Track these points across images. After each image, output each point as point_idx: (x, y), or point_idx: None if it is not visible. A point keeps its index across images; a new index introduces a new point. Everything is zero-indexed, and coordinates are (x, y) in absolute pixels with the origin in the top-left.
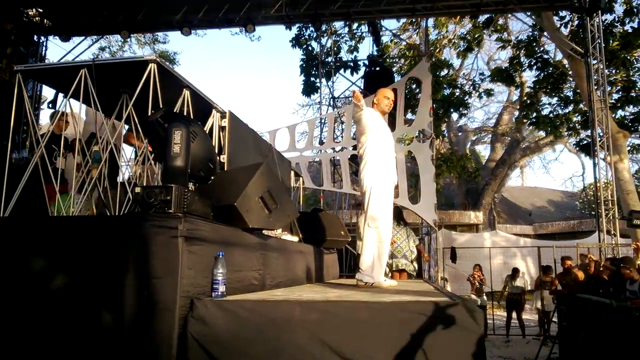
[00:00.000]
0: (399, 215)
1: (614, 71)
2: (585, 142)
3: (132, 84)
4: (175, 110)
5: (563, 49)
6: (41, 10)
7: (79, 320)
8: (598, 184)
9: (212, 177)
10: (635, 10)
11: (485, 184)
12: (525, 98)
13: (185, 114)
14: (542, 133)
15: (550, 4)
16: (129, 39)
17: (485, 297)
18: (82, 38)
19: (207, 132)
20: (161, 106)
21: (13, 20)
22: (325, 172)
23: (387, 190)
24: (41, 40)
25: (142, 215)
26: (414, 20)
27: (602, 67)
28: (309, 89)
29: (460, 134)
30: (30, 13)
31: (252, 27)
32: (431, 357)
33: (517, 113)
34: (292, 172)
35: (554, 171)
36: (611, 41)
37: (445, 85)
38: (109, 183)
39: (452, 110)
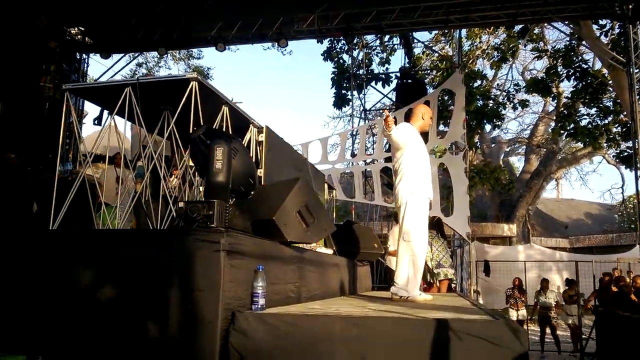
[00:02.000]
0: (439, 226)
1: None
2: (626, 153)
3: (173, 101)
4: (215, 127)
5: (603, 58)
6: (83, 29)
7: (125, 332)
8: None
9: (252, 192)
10: None
11: (519, 196)
12: (562, 109)
13: (224, 130)
14: (579, 144)
15: (590, 12)
16: (166, 55)
17: (524, 312)
18: (121, 55)
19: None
20: (201, 122)
21: (57, 39)
22: (357, 184)
23: (422, 205)
24: (83, 58)
25: (186, 230)
26: (446, 31)
27: None
28: (340, 101)
29: (493, 145)
30: (72, 32)
31: (284, 42)
32: None
33: (552, 124)
34: (326, 185)
35: (592, 183)
36: None
37: (478, 97)
38: (152, 196)
39: (485, 122)
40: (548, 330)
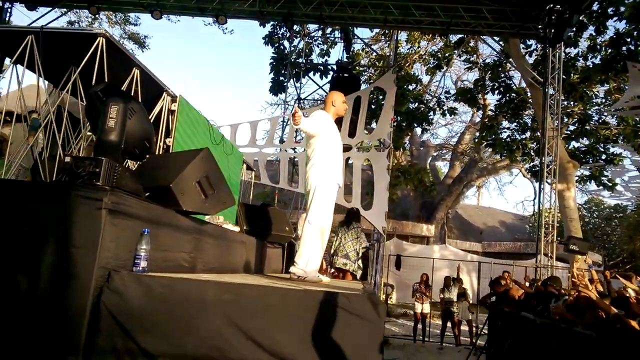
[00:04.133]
0: (355, 216)
1: (572, 103)
2: (537, 168)
3: (81, 57)
4: (123, 88)
5: (525, 76)
6: None
7: None
8: (541, 209)
9: (148, 156)
10: (598, 47)
11: (440, 199)
12: (485, 120)
13: (132, 92)
14: (498, 156)
15: (517, 30)
16: (99, 17)
17: (428, 305)
18: (49, 9)
19: (157, 113)
20: (106, 81)
21: None
22: (282, 170)
23: (330, 191)
24: (6, 6)
25: (68, 185)
26: (386, 31)
27: (558, 97)
28: (277, 87)
29: (422, 148)
30: None
31: (223, 19)
32: (335, 344)
33: (477, 134)
34: (245, 166)
35: (509, 194)
36: (572, 74)
37: (411, 99)
38: (49, 154)
39: (415, 124)
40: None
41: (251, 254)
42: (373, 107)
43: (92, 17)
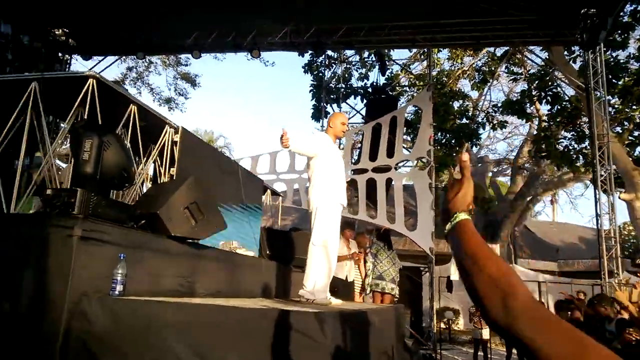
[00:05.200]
0: (387, 238)
1: (633, 107)
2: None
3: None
4: (122, 125)
5: (572, 84)
6: (67, 30)
7: None
8: (599, 222)
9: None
10: None
11: (503, 216)
12: (538, 131)
13: (130, 127)
14: (556, 167)
15: (552, 38)
16: (155, 62)
17: (487, 330)
18: (101, 57)
19: (162, 146)
20: (99, 119)
21: (41, 39)
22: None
23: (333, 211)
24: (65, 58)
25: (44, 215)
26: (425, 50)
27: (604, 101)
28: (319, 113)
29: (479, 165)
30: (56, 33)
31: (257, 53)
32: None
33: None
34: (269, 191)
35: (582, 207)
36: (625, 77)
37: (459, 116)
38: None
39: (463, 141)
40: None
41: (271, 278)
42: (414, 125)
43: (147, 62)
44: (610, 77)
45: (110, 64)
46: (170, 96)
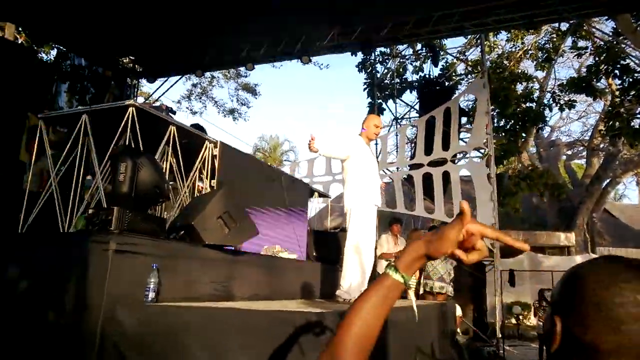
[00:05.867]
0: None
1: None
2: None
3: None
4: (163, 145)
5: None
6: (133, 58)
7: (31, 318)
8: None
9: (161, 200)
10: None
11: (579, 202)
12: (609, 108)
13: (171, 146)
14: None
15: (610, 7)
16: (217, 77)
17: None
18: (165, 79)
19: (202, 160)
20: (140, 144)
21: (111, 68)
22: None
23: (367, 212)
24: (133, 83)
25: (85, 232)
26: (480, 36)
27: None
28: (374, 111)
29: (551, 148)
30: (124, 61)
31: (307, 59)
32: None
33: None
34: (316, 194)
35: None
36: None
37: (522, 100)
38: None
39: (528, 125)
40: None
41: (315, 279)
42: (471, 114)
43: (210, 77)
44: None
45: (173, 84)
46: (233, 107)
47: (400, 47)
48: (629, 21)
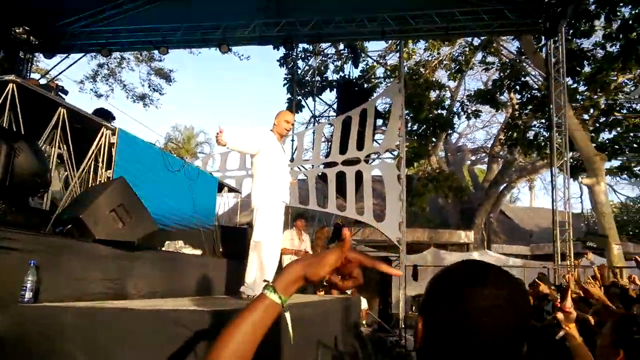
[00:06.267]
0: (337, 233)
1: (597, 95)
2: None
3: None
4: (50, 128)
5: (539, 72)
6: (27, 28)
7: None
8: (554, 207)
9: (42, 190)
10: (613, 35)
11: (479, 204)
12: (509, 119)
13: (59, 131)
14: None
15: (517, 28)
16: (127, 58)
17: None
18: (65, 55)
19: (98, 147)
20: (20, 125)
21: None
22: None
23: (274, 208)
24: (27, 57)
25: None
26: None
27: (564, 89)
28: (293, 107)
29: (458, 153)
30: (17, 31)
31: (226, 48)
32: None
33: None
34: (226, 188)
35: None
36: (588, 66)
37: (434, 106)
38: None
39: (438, 131)
40: None
41: (220, 276)
42: (386, 117)
43: (119, 58)
44: (574, 64)
45: (75, 62)
46: (144, 92)
47: (323, 46)
48: (531, 43)
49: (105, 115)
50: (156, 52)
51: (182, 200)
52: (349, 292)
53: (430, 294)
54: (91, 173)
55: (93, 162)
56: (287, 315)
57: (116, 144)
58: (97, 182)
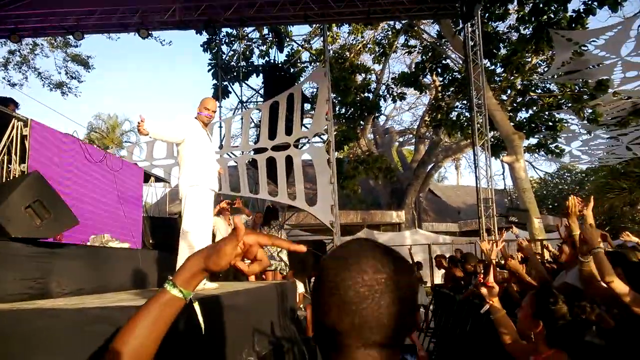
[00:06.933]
0: (273, 214)
1: (513, 76)
2: (492, 143)
3: None
4: None
5: (458, 55)
6: None
7: None
8: (478, 184)
9: None
10: (526, 18)
11: (408, 184)
12: (433, 101)
13: None
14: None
15: (435, 12)
16: (40, 44)
17: None
18: None
19: (10, 140)
20: None
21: None
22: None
23: (203, 197)
24: None
25: None
26: (323, 26)
27: (482, 71)
28: (219, 93)
29: (386, 135)
30: None
31: (145, 32)
32: None
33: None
34: (152, 178)
35: (482, 171)
36: (504, 49)
37: (360, 90)
38: None
39: (365, 114)
40: None
41: (151, 268)
42: (314, 101)
43: (32, 44)
44: (491, 47)
45: None
46: (62, 80)
47: (247, 30)
48: (450, 26)
49: (3, 102)
50: (71, 37)
51: (106, 192)
52: (285, 274)
53: (315, 282)
54: (4, 168)
55: (6, 156)
56: (196, 306)
57: (29, 135)
58: (11, 177)
